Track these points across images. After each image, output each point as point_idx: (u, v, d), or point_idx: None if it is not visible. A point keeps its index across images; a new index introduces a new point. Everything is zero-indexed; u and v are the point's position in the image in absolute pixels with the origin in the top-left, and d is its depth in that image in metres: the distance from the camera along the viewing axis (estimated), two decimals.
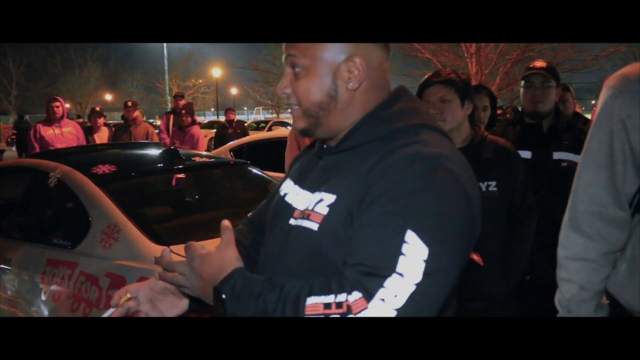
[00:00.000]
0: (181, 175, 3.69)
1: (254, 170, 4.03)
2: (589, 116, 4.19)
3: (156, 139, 7.13)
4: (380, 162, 1.09)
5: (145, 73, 39.96)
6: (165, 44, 37.42)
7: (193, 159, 3.88)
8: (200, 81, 36.39)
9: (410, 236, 1.00)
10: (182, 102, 8.07)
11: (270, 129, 21.88)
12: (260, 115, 47.60)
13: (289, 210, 1.25)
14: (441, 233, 1.02)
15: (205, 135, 9.00)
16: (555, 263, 1.56)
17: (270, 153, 6.36)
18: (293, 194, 1.28)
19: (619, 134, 1.41)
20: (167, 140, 7.36)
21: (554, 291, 1.54)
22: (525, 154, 2.73)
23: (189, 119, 7.23)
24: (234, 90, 45.55)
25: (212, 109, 47.38)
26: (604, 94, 1.47)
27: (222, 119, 16.60)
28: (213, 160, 4.09)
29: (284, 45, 1.23)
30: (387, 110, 1.19)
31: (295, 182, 1.31)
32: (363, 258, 1.02)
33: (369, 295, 0.97)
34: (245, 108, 54.07)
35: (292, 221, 1.21)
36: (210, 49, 38.80)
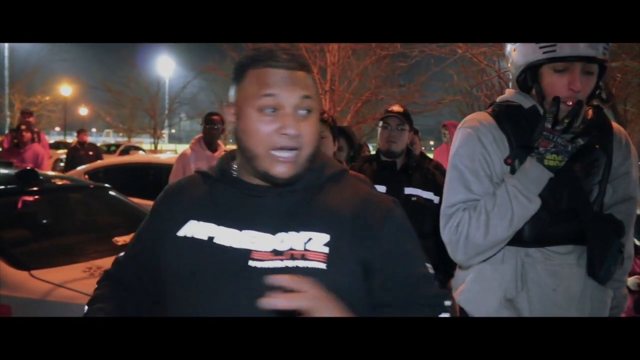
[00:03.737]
0: (39, 197, 3.53)
1: (115, 195, 3.97)
2: (430, 154, 4.66)
3: None
4: (376, 212, 1.21)
5: None
6: (6, 55, 34.61)
7: (52, 180, 3.74)
8: (47, 98, 34.01)
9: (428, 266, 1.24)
10: (31, 119, 7.59)
11: (124, 153, 21.06)
12: (110, 137, 45.44)
13: (237, 253, 1.15)
14: None
15: (50, 156, 8.51)
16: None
17: (128, 177, 6.22)
18: (227, 235, 1.18)
19: (479, 161, 1.74)
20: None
21: None
22: (381, 188, 3.03)
23: (29, 135, 6.82)
24: (83, 111, 43.18)
25: (58, 129, 44.41)
26: (462, 133, 1.79)
27: (70, 139, 15.69)
28: (73, 183, 3.98)
29: (284, 81, 1.17)
30: (318, 156, 1.26)
31: (219, 223, 1.20)
32: (422, 287, 1.20)
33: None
34: (95, 130, 51.37)
35: (254, 263, 1.14)
36: (60, 65, 36.53)
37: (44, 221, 3.59)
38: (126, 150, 22.39)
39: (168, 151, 22.46)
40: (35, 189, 3.41)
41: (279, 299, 0.96)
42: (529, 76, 1.73)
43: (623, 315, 1.87)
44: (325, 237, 1.15)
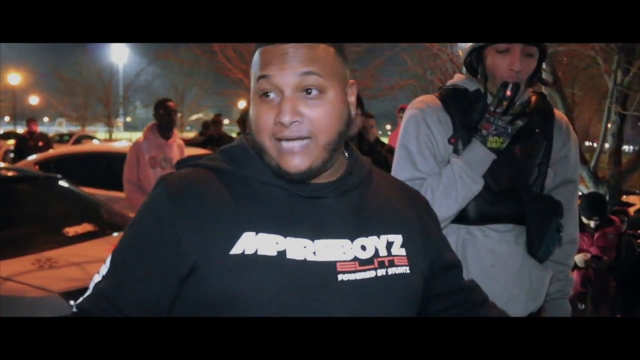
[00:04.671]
0: None
1: (66, 185, 3.90)
2: (385, 139, 4.73)
3: None
4: (419, 207, 1.17)
5: None
6: None
7: (0, 172, 3.65)
8: None
9: None
10: None
11: (77, 142, 20.55)
12: (63, 127, 44.29)
13: (318, 267, 0.97)
14: None
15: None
16: None
17: (81, 167, 6.10)
18: (299, 247, 0.98)
19: (424, 140, 1.79)
20: None
21: None
22: None
23: None
24: (34, 99, 41.90)
25: (8, 119, 43.00)
26: (409, 114, 1.85)
27: (20, 129, 15.24)
28: (21, 173, 3.89)
29: (280, 58, 0.98)
30: (351, 145, 1.16)
31: (285, 234, 0.98)
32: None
33: None
34: (47, 119, 49.95)
35: (344, 277, 0.98)
36: (7, 51, 35.27)
37: None
38: (79, 140, 21.86)
39: (123, 139, 22.04)
40: None
41: None
42: (474, 58, 1.80)
43: (571, 294, 1.95)
44: (400, 238, 1.06)
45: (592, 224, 4.47)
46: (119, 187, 4.68)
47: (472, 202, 1.74)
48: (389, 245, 1.04)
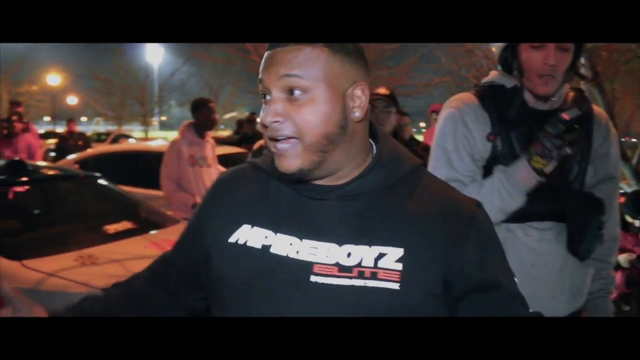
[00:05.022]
0: (29, 188, 3.54)
1: (105, 183, 3.99)
2: (419, 137, 4.70)
3: None
4: (447, 219, 1.03)
5: None
6: None
7: (41, 171, 3.75)
8: (35, 88, 33.75)
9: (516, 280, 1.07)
10: (20, 109, 7.55)
11: (114, 141, 20.96)
12: (100, 126, 45.19)
13: (296, 265, 1.01)
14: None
15: (41, 146, 8.49)
16: None
17: (118, 166, 6.23)
18: (285, 244, 1.03)
19: (461, 140, 1.78)
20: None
21: None
22: None
23: (20, 126, 6.79)
24: (72, 100, 42.87)
25: (48, 118, 44.09)
26: (445, 113, 1.84)
27: (60, 129, 15.60)
28: (62, 172, 3.99)
29: (267, 63, 1.03)
30: (388, 148, 1.11)
31: (276, 230, 1.05)
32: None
33: None
34: (85, 118, 51.06)
35: (317, 279, 0.99)
36: (47, 53, 36.20)
37: (35, 211, 3.61)
38: (117, 139, 22.28)
39: (159, 138, 22.37)
40: (24, 179, 3.43)
41: None
42: (509, 54, 1.78)
43: (614, 293, 1.91)
44: (399, 252, 0.99)
45: (636, 223, 4.36)
46: (155, 186, 4.75)
47: None
48: (380, 257, 0.99)
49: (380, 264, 0.98)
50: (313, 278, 0.99)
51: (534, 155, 1.65)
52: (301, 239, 1.03)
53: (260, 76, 1.04)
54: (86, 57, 34.10)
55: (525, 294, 1.69)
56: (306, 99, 0.99)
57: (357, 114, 1.04)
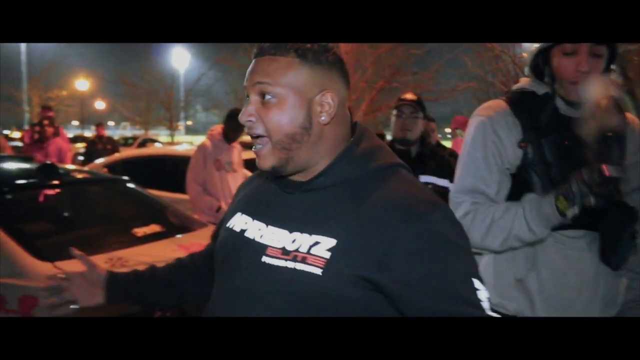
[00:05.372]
0: (60, 191, 3.61)
1: (133, 187, 4.04)
2: (445, 143, 4.67)
3: (9, 153, 6.75)
4: (400, 218, 1.06)
5: (1, 80, 36.89)
6: (23, 50, 34.94)
7: (72, 174, 3.82)
8: (64, 93, 34.38)
9: (477, 283, 1.06)
10: (51, 114, 7.70)
11: (141, 145, 21.23)
12: (127, 130, 45.78)
13: (255, 246, 1.17)
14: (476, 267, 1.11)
15: (70, 150, 8.64)
16: None
17: (145, 170, 6.30)
18: (255, 229, 1.21)
19: (491, 150, 1.77)
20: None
21: None
22: None
23: (51, 130, 6.92)
24: (100, 104, 43.57)
25: (77, 123, 44.83)
26: (475, 121, 1.83)
27: (88, 133, 15.84)
28: (92, 176, 4.05)
29: (248, 70, 1.18)
30: (359, 147, 1.19)
31: (254, 217, 1.23)
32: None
33: None
34: (112, 123, 51.82)
35: (267, 259, 1.13)
36: (76, 59, 36.88)
37: (65, 214, 3.67)
38: (143, 143, 22.55)
39: (184, 143, 22.63)
40: (56, 182, 3.49)
41: None
42: (540, 60, 1.77)
43: None
44: (332, 242, 1.08)
45: None
46: (181, 190, 4.80)
47: None
48: (315, 244, 1.10)
49: (313, 250, 1.09)
50: (263, 258, 1.14)
51: (560, 195, 1.60)
52: (267, 225, 1.19)
53: (244, 82, 1.18)
54: (114, 62, 34.70)
55: (558, 302, 1.68)
56: (275, 102, 1.13)
57: (324, 118, 1.15)
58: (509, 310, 1.77)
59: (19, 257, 2.62)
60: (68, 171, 3.84)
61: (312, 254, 1.09)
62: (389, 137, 4.37)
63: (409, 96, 3.26)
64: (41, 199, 3.44)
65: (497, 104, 1.84)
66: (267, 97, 1.14)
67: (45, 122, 6.95)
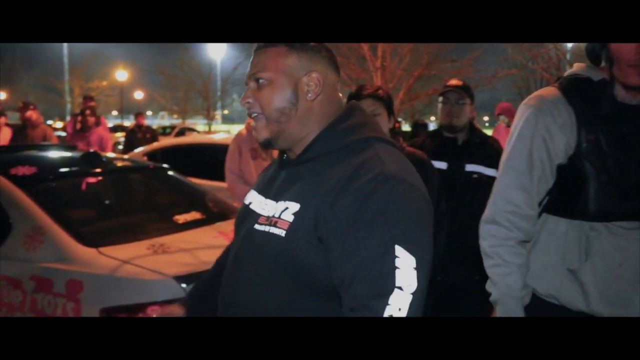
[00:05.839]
0: (103, 179, 3.67)
1: (174, 175, 4.08)
2: (485, 131, 4.57)
3: (55, 142, 6.89)
4: (346, 183, 1.18)
5: (44, 71, 37.88)
6: (65, 43, 35.69)
7: (114, 162, 3.88)
8: (105, 83, 35.05)
9: (399, 250, 1.11)
10: (93, 104, 7.84)
11: (179, 134, 21.49)
12: (165, 120, 46.39)
13: (253, 216, 1.36)
14: (420, 241, 1.15)
15: (111, 139, 8.79)
16: (464, 264, 1.81)
17: (185, 158, 6.38)
18: (257, 202, 1.40)
19: (538, 145, 1.70)
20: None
21: (463, 291, 1.77)
22: (441, 165, 2.98)
23: (93, 119, 7.04)
24: (139, 94, 44.25)
25: (116, 113, 45.69)
26: (524, 111, 1.75)
27: (127, 123, 16.10)
28: (134, 164, 4.10)
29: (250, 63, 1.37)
30: (343, 124, 1.32)
31: (260, 192, 1.42)
32: (361, 281, 1.10)
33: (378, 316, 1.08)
34: (150, 112, 52.64)
35: (256, 226, 1.31)
36: (115, 50, 37.53)
37: (108, 201, 3.73)
38: (181, 132, 22.83)
39: (221, 132, 22.79)
40: (98, 170, 3.54)
41: None
42: (597, 44, 1.69)
43: None
44: (296, 207, 1.24)
45: None
46: (219, 177, 4.83)
47: (596, 197, 1.63)
48: (285, 210, 1.26)
49: (282, 215, 1.26)
50: (255, 225, 1.33)
51: None
52: (265, 199, 1.37)
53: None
54: (152, 53, 35.13)
55: (612, 293, 1.62)
56: (266, 84, 1.32)
57: (310, 95, 1.32)
58: (561, 302, 1.72)
59: (65, 242, 2.67)
60: (110, 159, 3.89)
61: (281, 218, 1.25)
62: (432, 126, 4.29)
63: (454, 82, 3.18)
64: (85, 186, 3.50)
65: (549, 92, 1.76)
66: (261, 81, 1.32)
67: (87, 112, 7.07)
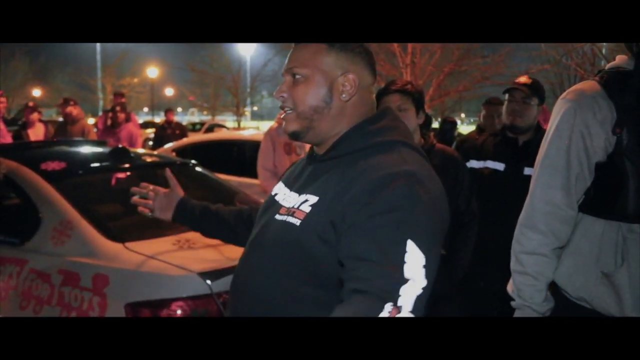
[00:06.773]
0: (131, 174, 3.68)
1: (202, 170, 4.08)
2: None
3: (93, 137, 6.99)
4: (366, 172, 1.21)
5: (78, 69, 38.59)
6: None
7: (143, 158, 3.89)
8: (136, 80, 35.55)
9: (411, 245, 1.11)
10: (123, 100, 7.93)
11: (209, 130, 21.67)
12: (195, 116, 46.83)
13: (276, 207, 1.40)
14: (430, 241, 1.15)
15: (141, 135, 8.89)
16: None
17: (213, 154, 6.39)
18: (282, 194, 1.44)
19: (576, 142, 1.63)
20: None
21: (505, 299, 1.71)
22: (499, 166, 2.89)
23: (123, 116, 7.11)
24: (169, 91, 44.77)
25: (146, 109, 46.30)
26: (562, 106, 1.69)
27: (157, 119, 16.29)
28: (162, 159, 4.12)
29: (287, 57, 1.39)
30: (372, 125, 1.34)
31: (286, 185, 1.46)
32: (371, 271, 1.10)
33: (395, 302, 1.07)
34: (180, 109, 53.21)
35: (277, 216, 1.36)
36: (147, 47, 37.97)
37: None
38: (211, 128, 23.01)
39: (250, 128, 22.89)
40: (127, 165, 3.56)
41: None
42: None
43: None
44: (314, 199, 1.28)
45: None
46: (249, 174, 4.82)
47: (635, 197, 1.56)
48: (304, 202, 1.30)
49: (301, 207, 1.30)
50: (276, 215, 1.37)
51: None
52: (290, 191, 1.41)
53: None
54: (182, 50, 35.46)
55: None
56: (302, 80, 1.34)
57: (344, 96, 1.34)
58: (592, 306, 1.65)
59: (92, 237, 2.68)
60: (139, 155, 3.91)
61: (299, 209, 1.29)
62: (465, 126, 4.18)
63: (522, 79, 3.01)
64: (113, 181, 3.52)
65: (589, 86, 1.68)
66: (297, 76, 1.35)
67: (118, 108, 7.14)
